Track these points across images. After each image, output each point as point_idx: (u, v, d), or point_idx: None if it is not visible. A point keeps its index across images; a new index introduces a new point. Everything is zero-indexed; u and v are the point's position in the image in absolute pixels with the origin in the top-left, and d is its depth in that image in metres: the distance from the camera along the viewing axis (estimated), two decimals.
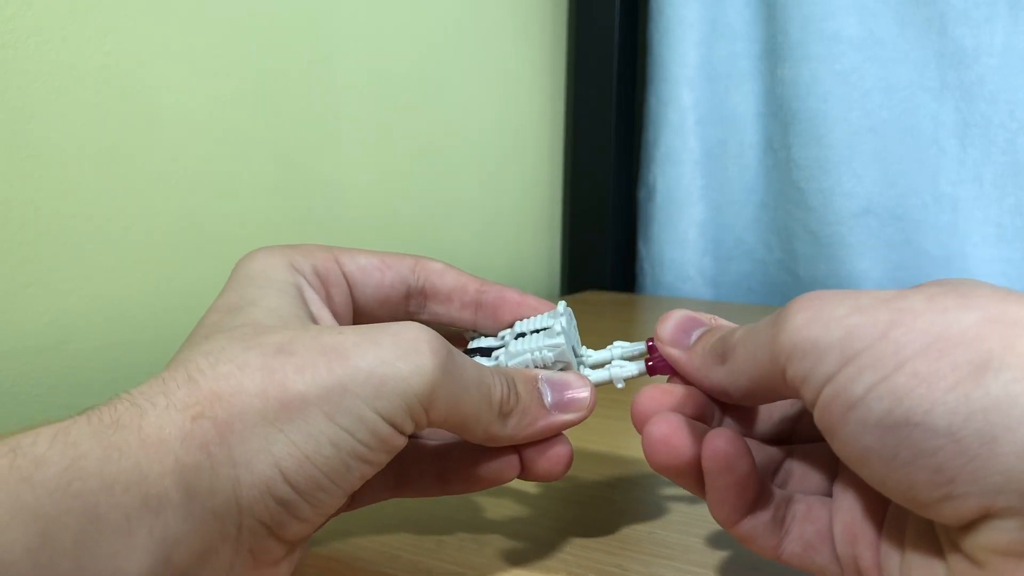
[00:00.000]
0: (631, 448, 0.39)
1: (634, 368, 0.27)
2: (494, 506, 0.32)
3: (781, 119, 0.82)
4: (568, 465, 0.26)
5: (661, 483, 0.35)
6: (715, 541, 0.29)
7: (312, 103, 0.59)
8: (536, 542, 0.29)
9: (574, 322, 0.29)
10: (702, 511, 0.32)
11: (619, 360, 0.27)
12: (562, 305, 0.29)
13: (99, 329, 0.45)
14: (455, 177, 0.75)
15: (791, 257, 0.83)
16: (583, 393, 0.26)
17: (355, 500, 0.28)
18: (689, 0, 0.84)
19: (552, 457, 0.26)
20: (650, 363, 0.26)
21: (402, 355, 0.22)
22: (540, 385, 0.25)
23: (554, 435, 0.26)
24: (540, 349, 0.27)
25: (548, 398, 0.25)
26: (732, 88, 0.85)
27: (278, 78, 0.56)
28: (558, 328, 0.27)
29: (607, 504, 0.33)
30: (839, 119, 0.78)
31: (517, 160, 0.84)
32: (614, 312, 0.76)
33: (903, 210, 0.77)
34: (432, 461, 0.27)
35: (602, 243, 0.89)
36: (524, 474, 0.26)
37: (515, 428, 0.25)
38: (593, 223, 0.90)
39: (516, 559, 0.28)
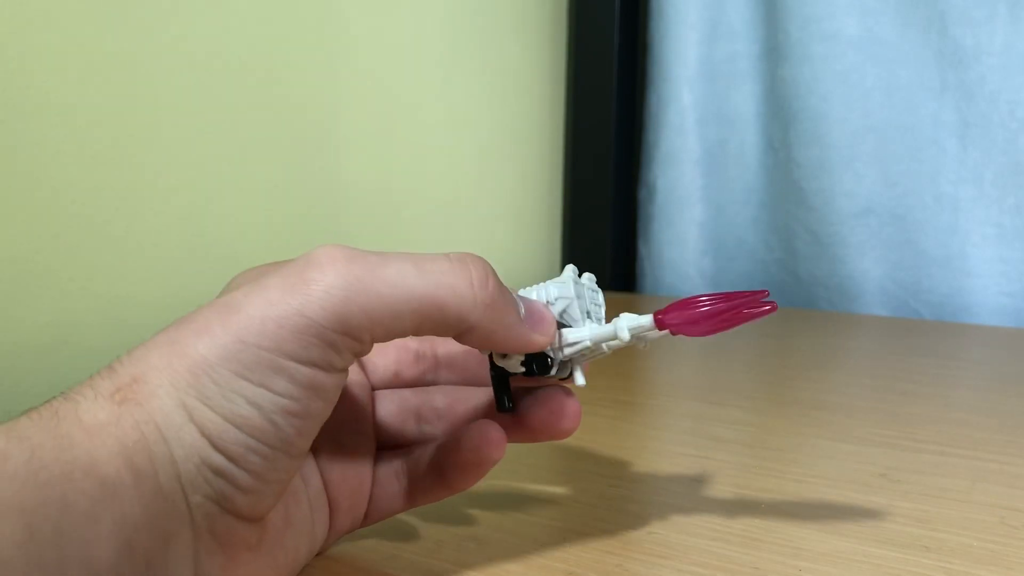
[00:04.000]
0: (631, 448, 0.39)
1: (642, 320, 0.25)
2: (494, 506, 0.32)
3: (781, 119, 0.81)
4: (576, 418, 0.26)
5: (661, 483, 0.35)
6: (715, 541, 0.29)
7: (313, 103, 0.59)
8: (536, 542, 0.29)
9: (600, 300, 0.28)
10: (702, 511, 0.32)
11: (627, 314, 0.26)
12: (587, 276, 0.28)
13: (99, 329, 0.45)
14: (455, 177, 0.75)
15: (791, 257, 0.83)
16: (547, 323, 0.25)
17: (369, 516, 0.27)
18: (689, 0, 0.84)
19: (556, 411, 0.26)
20: (660, 317, 0.25)
21: (290, 288, 0.20)
22: (516, 297, 0.24)
23: (526, 351, 0.25)
24: (547, 285, 0.26)
25: (521, 312, 0.24)
26: (732, 88, 0.85)
27: (279, 78, 0.56)
28: (570, 273, 0.26)
29: (607, 504, 0.33)
30: (839, 119, 0.78)
31: (517, 160, 0.84)
32: (614, 312, 0.76)
33: (903, 210, 0.77)
34: (432, 461, 0.27)
35: (602, 243, 0.89)
36: (534, 434, 0.26)
37: (495, 323, 0.23)
38: (593, 223, 0.90)
39: (516, 559, 0.28)
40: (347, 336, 0.21)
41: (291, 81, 0.57)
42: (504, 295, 0.23)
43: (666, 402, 0.49)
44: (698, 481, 0.35)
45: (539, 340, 0.24)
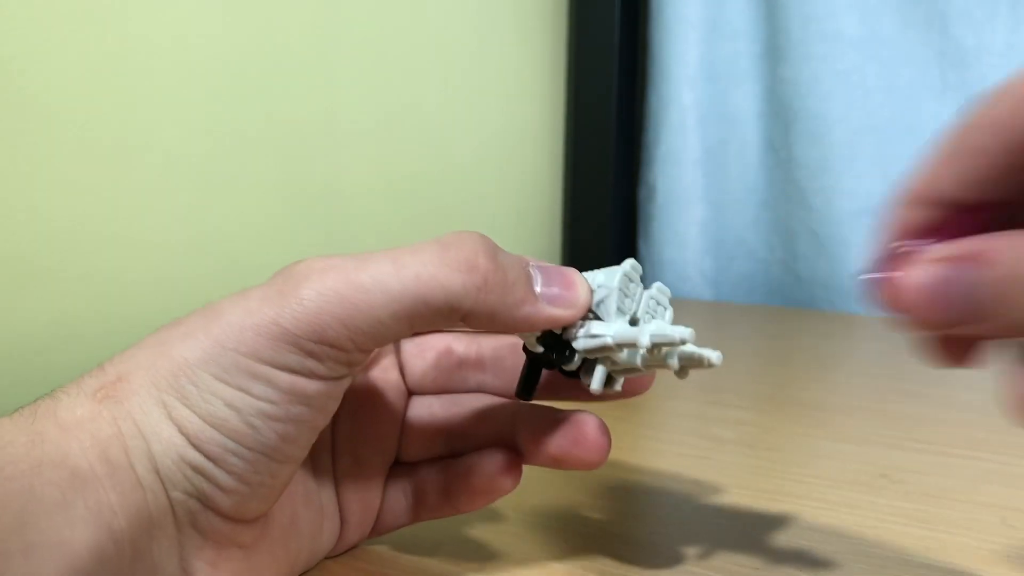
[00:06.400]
0: (632, 448, 0.39)
1: (673, 331, 0.22)
2: (493, 507, 0.32)
3: (782, 118, 0.81)
4: (601, 449, 0.24)
5: (661, 483, 0.35)
6: (715, 541, 0.29)
7: (312, 103, 0.59)
8: (535, 542, 0.29)
9: (665, 316, 0.25)
10: (702, 511, 0.32)
11: (660, 322, 0.24)
12: (657, 286, 0.25)
13: (99, 329, 0.45)
14: (455, 177, 0.75)
15: (792, 257, 0.83)
16: (576, 291, 0.23)
17: (375, 530, 0.27)
18: (689, 0, 0.84)
19: (581, 443, 0.24)
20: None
21: (266, 300, 0.21)
22: (531, 270, 0.22)
23: (545, 328, 0.23)
24: (596, 272, 0.24)
25: (538, 286, 0.22)
26: (733, 87, 0.85)
27: (279, 78, 0.56)
28: (625, 267, 0.24)
29: (607, 504, 0.33)
30: (840, 118, 0.78)
31: (517, 160, 0.84)
32: None
33: None
34: (439, 482, 0.27)
35: (602, 243, 0.89)
36: (560, 463, 0.25)
37: (494, 305, 0.21)
38: (593, 223, 0.90)
39: (515, 559, 0.28)
40: (326, 346, 0.21)
41: (290, 81, 0.57)
42: (502, 273, 0.22)
43: (666, 402, 0.49)
44: (698, 481, 0.35)
45: (556, 314, 0.22)
